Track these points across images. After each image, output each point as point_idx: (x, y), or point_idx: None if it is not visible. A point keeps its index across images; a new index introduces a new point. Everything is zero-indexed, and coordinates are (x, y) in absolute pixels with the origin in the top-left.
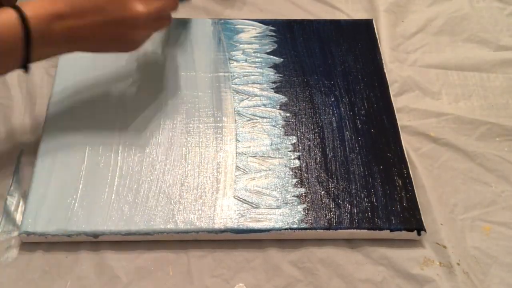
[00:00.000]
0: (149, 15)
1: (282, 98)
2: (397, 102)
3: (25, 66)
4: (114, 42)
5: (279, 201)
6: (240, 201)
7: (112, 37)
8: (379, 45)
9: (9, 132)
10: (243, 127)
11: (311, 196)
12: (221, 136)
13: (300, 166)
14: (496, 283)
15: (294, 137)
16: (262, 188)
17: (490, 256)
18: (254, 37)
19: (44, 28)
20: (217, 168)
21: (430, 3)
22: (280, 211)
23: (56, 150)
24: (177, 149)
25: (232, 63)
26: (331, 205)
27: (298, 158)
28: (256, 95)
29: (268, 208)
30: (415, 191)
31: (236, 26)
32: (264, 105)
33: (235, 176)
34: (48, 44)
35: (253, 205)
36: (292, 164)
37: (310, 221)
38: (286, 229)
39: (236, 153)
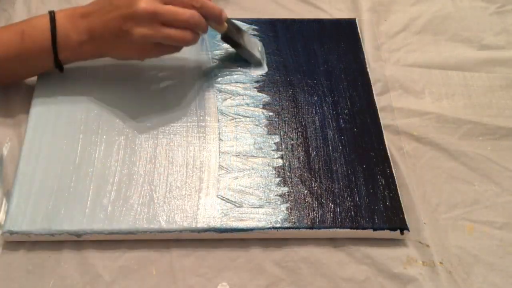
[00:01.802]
0: (149, 12)
1: (265, 97)
2: (380, 101)
3: (59, 66)
4: (122, 40)
5: (262, 200)
6: (223, 200)
7: (121, 34)
8: (362, 44)
9: None
10: (226, 126)
11: (294, 195)
12: (204, 135)
13: (283, 165)
14: (479, 282)
15: (277, 136)
16: (245, 187)
17: (473, 255)
18: None
19: (69, 26)
20: (200, 167)
21: (413, 3)
22: (263, 210)
23: (40, 149)
24: (160, 148)
25: (215, 62)
26: (314, 204)
27: (281, 157)
28: (239, 94)
29: (251, 207)
30: (398, 190)
31: None
32: (247, 104)
33: (218, 175)
34: (73, 41)
35: (236, 204)
36: (275, 163)
37: (293, 220)
38: (269, 228)
39: (219, 152)
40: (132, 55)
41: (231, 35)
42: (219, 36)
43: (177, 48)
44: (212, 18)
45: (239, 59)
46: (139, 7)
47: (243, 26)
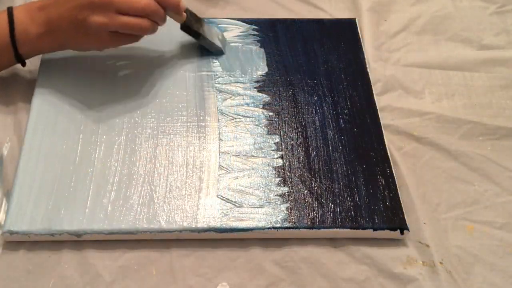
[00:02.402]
0: (104, 0)
1: (265, 97)
2: (380, 101)
3: (20, 60)
4: (79, 29)
5: (262, 200)
6: (223, 200)
7: (77, 23)
8: (362, 44)
9: None
10: (226, 126)
11: (294, 195)
12: (204, 135)
13: (283, 165)
14: (479, 282)
15: (277, 136)
16: (245, 187)
17: (473, 255)
18: (237, 36)
19: (27, 18)
20: (200, 167)
21: (413, 3)
22: (263, 210)
23: (40, 149)
24: (160, 148)
25: (215, 62)
26: (314, 204)
27: (281, 157)
28: (239, 94)
29: (251, 207)
30: (398, 190)
31: (219, 25)
32: (247, 104)
33: (218, 175)
34: (32, 35)
35: (236, 204)
36: (275, 163)
37: (293, 220)
38: (269, 228)
39: (219, 152)
40: (90, 45)
41: (190, 24)
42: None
43: (136, 37)
44: (170, 8)
45: (239, 58)
46: None
47: (243, 26)
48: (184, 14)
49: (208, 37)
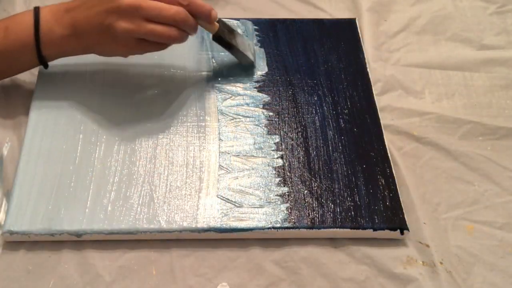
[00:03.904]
0: (132, 6)
1: (265, 97)
2: (380, 101)
3: (43, 62)
4: (105, 34)
5: (262, 200)
6: (223, 200)
7: (103, 28)
8: (362, 44)
9: None
10: (226, 126)
11: (294, 195)
12: (204, 135)
13: (283, 165)
14: (479, 282)
15: (277, 136)
16: (245, 187)
17: (473, 255)
18: None
19: (53, 19)
20: (200, 167)
21: (413, 2)
22: (263, 210)
23: (40, 149)
24: (160, 148)
25: (215, 62)
26: (314, 204)
27: (281, 157)
28: (239, 94)
29: (251, 207)
30: (398, 190)
31: None
32: (247, 104)
33: (218, 175)
34: (56, 36)
35: (236, 204)
36: (275, 163)
37: (293, 220)
38: (269, 228)
39: (219, 152)
40: (116, 50)
41: (223, 35)
42: None
43: (163, 46)
44: (201, 17)
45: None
46: (123, 1)
47: (243, 26)
48: (216, 24)
49: (240, 48)
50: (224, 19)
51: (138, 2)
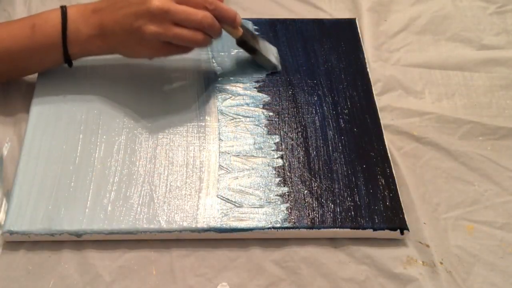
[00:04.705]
0: (161, 10)
1: (265, 97)
2: (380, 101)
3: (68, 60)
4: (132, 36)
5: (262, 200)
6: (223, 200)
7: (132, 30)
8: (362, 44)
9: None
10: (226, 126)
11: (294, 195)
12: (204, 135)
13: (283, 165)
14: (479, 282)
15: (277, 136)
16: (245, 187)
17: (473, 255)
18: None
19: (81, 19)
20: (200, 167)
21: (413, 2)
22: (263, 210)
23: (40, 149)
24: (160, 148)
25: (215, 62)
26: (314, 204)
27: (281, 157)
28: (239, 94)
29: (251, 207)
30: (398, 190)
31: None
32: (247, 104)
33: (218, 175)
34: (83, 35)
35: (236, 204)
36: (275, 163)
37: (293, 220)
38: (269, 228)
39: (219, 152)
40: (142, 53)
41: (247, 39)
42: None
43: (188, 49)
44: (227, 21)
45: (239, 59)
46: (152, 4)
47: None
48: (240, 29)
49: (264, 53)
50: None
51: (167, 6)
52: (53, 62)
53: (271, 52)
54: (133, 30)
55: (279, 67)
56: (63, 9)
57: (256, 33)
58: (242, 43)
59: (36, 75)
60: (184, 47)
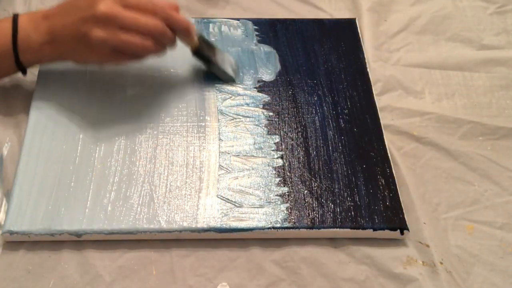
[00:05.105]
0: (108, 15)
1: (265, 97)
2: (380, 101)
3: (21, 68)
4: (80, 42)
5: (262, 200)
6: (223, 200)
7: (79, 36)
8: (362, 44)
9: None
10: (226, 126)
11: (294, 195)
12: (204, 135)
13: (283, 165)
14: (479, 282)
15: (277, 136)
16: (245, 187)
17: (473, 255)
18: (237, 36)
19: (31, 26)
20: (200, 167)
21: (413, 2)
22: (263, 210)
23: (40, 149)
24: (160, 148)
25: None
26: (314, 204)
27: (281, 157)
28: (239, 94)
29: (251, 207)
30: (398, 190)
31: (219, 26)
32: (247, 104)
33: (218, 175)
34: (34, 43)
35: (236, 204)
36: (275, 163)
37: (293, 220)
38: (269, 228)
39: (219, 152)
40: (90, 59)
41: (202, 51)
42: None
43: (139, 57)
44: (179, 30)
45: (239, 59)
46: (98, 9)
47: (243, 26)
48: (196, 38)
49: (220, 65)
50: (205, 37)
51: (114, 11)
52: (5, 70)
53: (228, 64)
54: (80, 35)
55: (236, 79)
56: (15, 17)
57: (256, 33)
58: (197, 54)
59: (36, 75)
60: (135, 55)
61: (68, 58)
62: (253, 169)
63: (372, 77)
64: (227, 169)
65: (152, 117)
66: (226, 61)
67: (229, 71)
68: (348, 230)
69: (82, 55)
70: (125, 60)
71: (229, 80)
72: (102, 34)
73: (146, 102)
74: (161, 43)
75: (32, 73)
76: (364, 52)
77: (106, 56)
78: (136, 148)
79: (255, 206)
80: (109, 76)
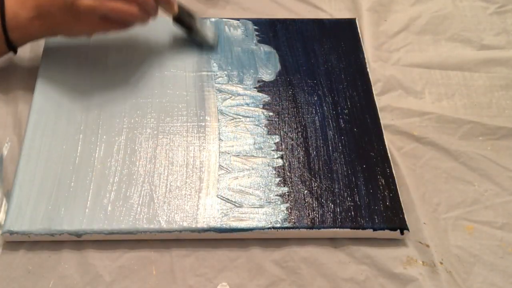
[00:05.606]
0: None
1: (265, 97)
2: (380, 101)
3: (11, 47)
4: (68, 13)
5: (262, 200)
6: (223, 200)
7: (66, 7)
8: (362, 44)
9: None
10: (226, 126)
11: (294, 195)
12: (204, 135)
13: (283, 165)
14: (479, 282)
15: (277, 136)
16: (245, 187)
17: (473, 255)
18: (237, 36)
19: (18, 3)
20: (200, 167)
21: (413, 2)
22: (263, 210)
23: (40, 149)
24: (160, 148)
25: (215, 63)
26: (314, 204)
27: (281, 157)
28: (239, 94)
29: (251, 207)
30: (398, 190)
31: (219, 25)
32: (247, 104)
33: (218, 175)
34: (22, 19)
35: (236, 204)
36: (275, 163)
37: (293, 220)
38: (269, 228)
39: (219, 152)
40: (80, 30)
41: (182, 18)
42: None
43: (125, 25)
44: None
45: (239, 59)
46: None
47: (243, 26)
48: (176, 7)
49: (200, 31)
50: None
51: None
52: None
53: (208, 30)
54: (67, 6)
55: (215, 44)
56: None
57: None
58: (177, 21)
59: (36, 75)
60: (122, 23)
61: (57, 32)
62: (253, 169)
63: (372, 77)
64: (227, 169)
65: (152, 117)
66: (206, 28)
67: (209, 38)
68: (348, 230)
69: (71, 26)
70: (112, 28)
71: (208, 46)
72: (89, 2)
73: (146, 102)
74: (145, 10)
75: (33, 72)
76: (364, 52)
77: (94, 25)
78: (136, 148)
79: (255, 206)
80: (110, 77)
